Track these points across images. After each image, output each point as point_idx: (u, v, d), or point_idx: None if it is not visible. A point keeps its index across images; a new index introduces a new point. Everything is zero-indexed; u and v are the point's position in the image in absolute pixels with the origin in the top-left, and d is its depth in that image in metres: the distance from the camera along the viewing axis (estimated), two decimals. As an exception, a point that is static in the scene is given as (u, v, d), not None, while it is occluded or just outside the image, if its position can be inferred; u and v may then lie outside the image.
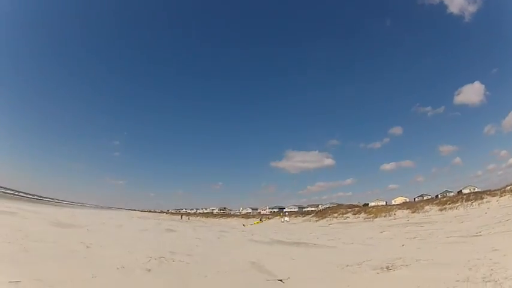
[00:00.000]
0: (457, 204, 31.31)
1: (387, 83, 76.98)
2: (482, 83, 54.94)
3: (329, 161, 70.04)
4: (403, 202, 50.46)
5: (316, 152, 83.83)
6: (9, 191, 63.27)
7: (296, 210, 64.99)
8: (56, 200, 73.05)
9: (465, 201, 31.40)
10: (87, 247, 7.74)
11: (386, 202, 57.31)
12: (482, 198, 29.20)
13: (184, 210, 78.59)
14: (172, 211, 78.84)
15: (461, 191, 47.51)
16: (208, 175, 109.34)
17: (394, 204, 47.98)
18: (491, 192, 30.91)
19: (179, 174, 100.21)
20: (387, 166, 69.37)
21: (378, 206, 49.90)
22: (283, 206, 73.40)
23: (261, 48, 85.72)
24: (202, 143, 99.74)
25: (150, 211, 75.36)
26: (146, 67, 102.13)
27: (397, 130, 70.51)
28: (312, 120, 77.42)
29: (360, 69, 74.62)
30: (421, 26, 66.87)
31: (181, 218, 50.71)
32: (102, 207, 57.03)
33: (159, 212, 74.33)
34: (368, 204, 57.29)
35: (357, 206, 47.81)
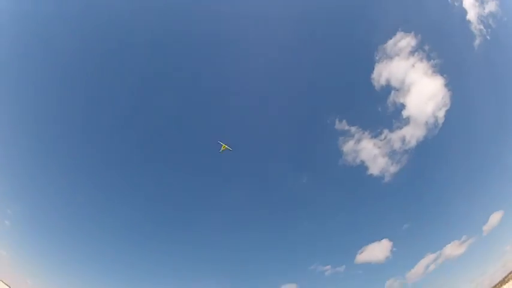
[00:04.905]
0: None
1: (290, 240, 78.50)
2: (390, 240, 60.20)
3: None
4: None
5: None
6: None
7: None
8: None
9: None
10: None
11: None
12: None
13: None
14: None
15: None
16: None
17: None
18: None
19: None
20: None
21: None
22: None
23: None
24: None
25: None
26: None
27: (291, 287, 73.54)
28: (202, 273, 73.24)
29: (264, 224, 75.66)
30: (338, 185, 73.15)
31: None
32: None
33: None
34: None
35: None
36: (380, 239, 68.23)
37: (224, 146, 48.17)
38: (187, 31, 60.81)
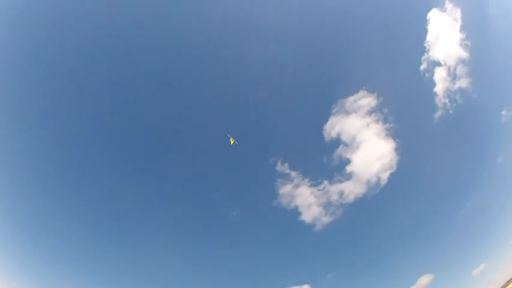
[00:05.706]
0: None
1: (206, 270, 75.96)
2: (312, 286, 61.32)
3: None
4: None
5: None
6: None
7: None
8: None
9: None
10: None
11: None
12: None
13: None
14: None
15: None
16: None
17: None
18: None
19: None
20: None
21: None
22: None
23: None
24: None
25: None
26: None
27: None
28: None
29: (182, 249, 71.22)
30: (267, 225, 71.82)
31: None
32: None
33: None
34: None
35: None
36: (301, 284, 72.32)
37: (232, 140, 48.22)
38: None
